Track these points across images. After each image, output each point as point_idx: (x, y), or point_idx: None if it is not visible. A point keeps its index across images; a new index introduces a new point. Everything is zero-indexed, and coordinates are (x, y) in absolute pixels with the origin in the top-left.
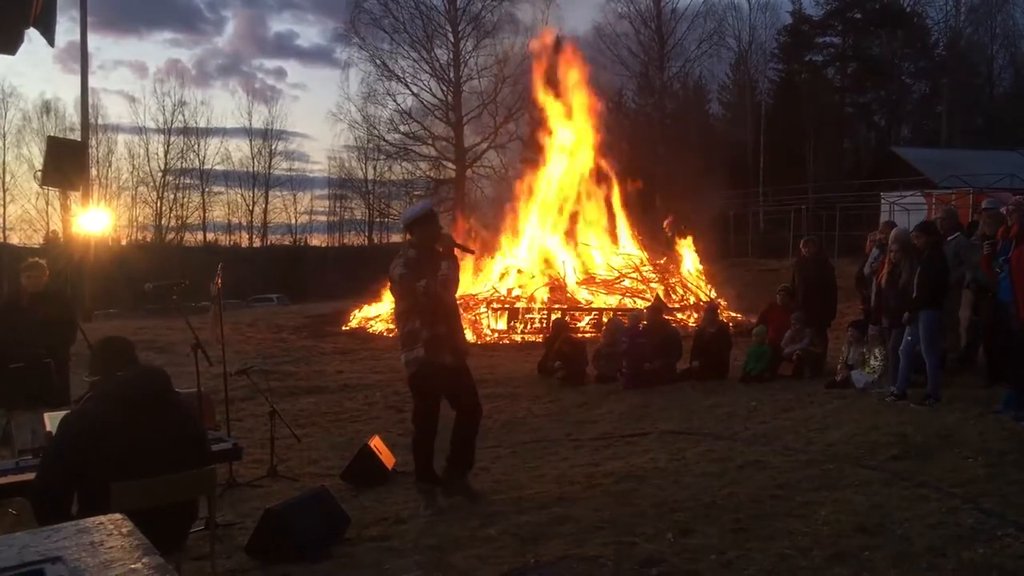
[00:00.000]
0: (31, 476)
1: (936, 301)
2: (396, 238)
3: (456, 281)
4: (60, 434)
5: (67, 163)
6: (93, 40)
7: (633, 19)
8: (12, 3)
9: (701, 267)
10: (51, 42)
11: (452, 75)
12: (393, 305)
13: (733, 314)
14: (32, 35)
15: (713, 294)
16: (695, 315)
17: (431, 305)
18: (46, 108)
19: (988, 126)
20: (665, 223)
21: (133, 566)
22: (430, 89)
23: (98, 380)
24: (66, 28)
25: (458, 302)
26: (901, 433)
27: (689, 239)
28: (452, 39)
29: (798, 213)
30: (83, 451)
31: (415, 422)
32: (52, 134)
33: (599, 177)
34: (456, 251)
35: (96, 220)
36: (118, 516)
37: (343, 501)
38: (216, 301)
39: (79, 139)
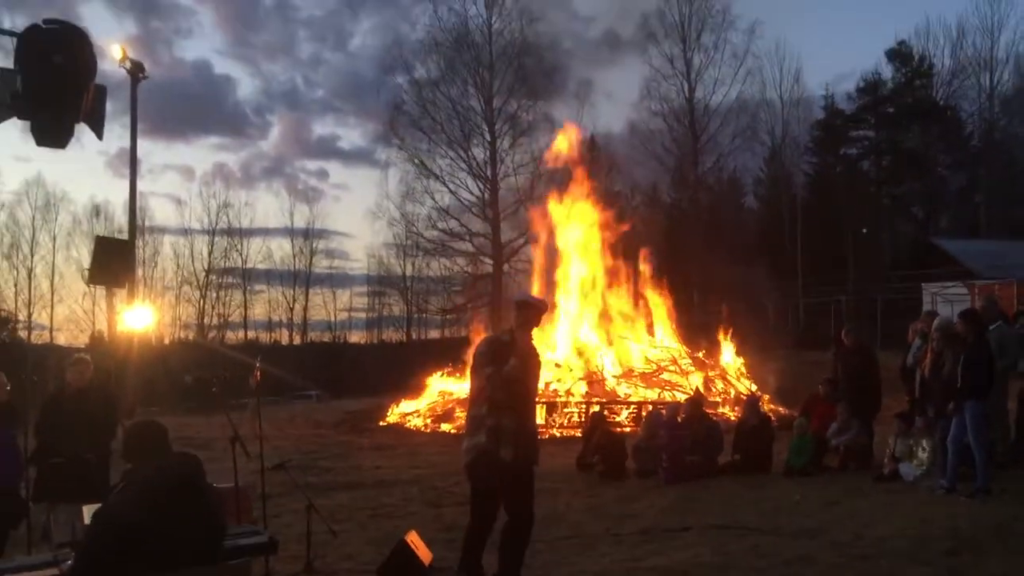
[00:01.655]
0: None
1: (982, 391)
2: (434, 334)
3: (517, 381)
4: (92, 528)
5: (114, 261)
6: (143, 145)
7: (667, 116)
8: (64, 101)
9: (741, 360)
10: (99, 135)
11: (489, 173)
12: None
13: (775, 407)
14: (82, 141)
15: (753, 387)
16: (735, 409)
17: (496, 393)
18: (96, 211)
19: None
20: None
21: None
22: (467, 187)
23: (131, 468)
24: (117, 134)
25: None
26: (953, 527)
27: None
28: (489, 138)
29: (838, 304)
30: (115, 543)
31: (471, 513)
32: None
33: (634, 271)
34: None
35: (140, 317)
36: None
37: None
38: (255, 394)
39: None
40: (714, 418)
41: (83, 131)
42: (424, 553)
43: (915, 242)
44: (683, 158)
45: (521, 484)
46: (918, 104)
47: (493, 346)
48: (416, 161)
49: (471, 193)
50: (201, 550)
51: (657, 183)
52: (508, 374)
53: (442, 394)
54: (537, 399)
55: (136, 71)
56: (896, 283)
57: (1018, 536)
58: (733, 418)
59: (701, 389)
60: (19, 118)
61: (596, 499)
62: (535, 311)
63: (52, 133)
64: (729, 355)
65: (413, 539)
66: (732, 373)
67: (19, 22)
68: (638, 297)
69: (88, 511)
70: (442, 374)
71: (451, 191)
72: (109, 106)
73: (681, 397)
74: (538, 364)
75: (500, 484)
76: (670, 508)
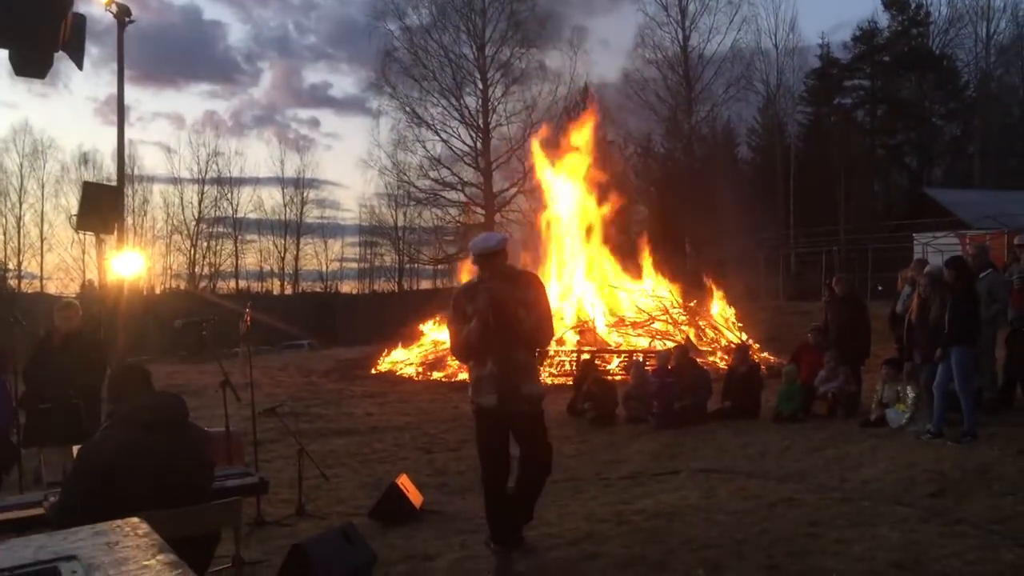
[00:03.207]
0: None
1: (968, 337)
2: (426, 284)
3: (493, 325)
4: (79, 461)
5: (103, 207)
6: (132, 93)
7: (660, 65)
8: (42, 28)
9: (732, 309)
10: (79, 65)
11: (481, 122)
12: None
13: (765, 356)
14: (71, 88)
15: (744, 336)
16: (725, 357)
17: (474, 347)
18: (84, 159)
19: (1022, 167)
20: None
21: (147, 563)
22: (459, 136)
23: (116, 408)
24: (106, 80)
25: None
26: (938, 470)
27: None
28: (481, 86)
29: (829, 255)
30: (102, 475)
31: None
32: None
33: (627, 220)
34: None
35: (130, 263)
36: (135, 520)
37: (371, 539)
38: (245, 339)
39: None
40: (702, 364)
41: (71, 77)
42: (415, 496)
43: (908, 192)
44: (677, 107)
45: (523, 430)
46: (914, 53)
47: (468, 293)
48: (408, 109)
49: (463, 142)
50: (188, 486)
51: (651, 133)
52: (479, 324)
53: (434, 343)
54: (535, 323)
55: (122, 15)
56: (888, 233)
57: (1003, 479)
58: (723, 366)
59: (692, 338)
60: None
61: (586, 444)
62: (500, 256)
63: (31, 62)
64: (719, 304)
65: (404, 483)
66: (722, 322)
67: None
68: (630, 246)
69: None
70: (434, 323)
71: (443, 140)
72: (96, 52)
73: (671, 346)
74: (524, 286)
75: (501, 434)
76: (659, 453)
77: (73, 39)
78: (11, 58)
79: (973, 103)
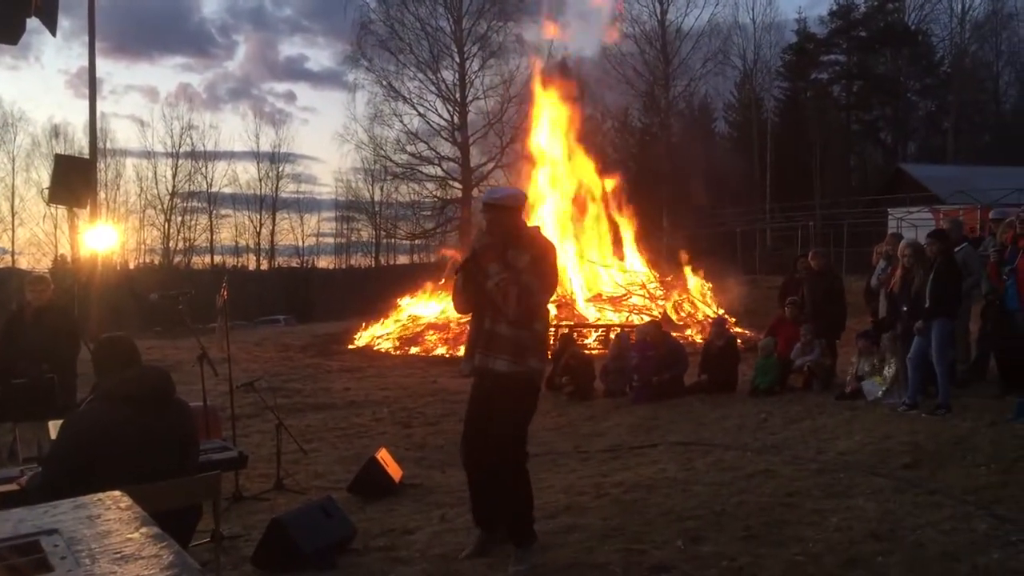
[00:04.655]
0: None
1: (950, 309)
2: (403, 259)
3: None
4: (63, 433)
5: (75, 180)
6: (105, 65)
7: (638, 39)
8: None
9: (709, 284)
10: (53, 31)
11: (458, 96)
12: None
13: (741, 330)
14: (42, 61)
15: (720, 311)
16: (702, 331)
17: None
18: (55, 132)
19: (995, 142)
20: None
21: (130, 535)
22: (436, 110)
23: (100, 381)
24: (77, 53)
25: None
26: (913, 442)
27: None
28: (458, 60)
29: (805, 230)
30: (86, 449)
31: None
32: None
33: (604, 195)
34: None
35: (103, 237)
36: (117, 493)
37: (350, 514)
38: (222, 313)
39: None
40: (675, 338)
41: (42, 50)
42: (394, 470)
43: (883, 168)
44: (654, 82)
45: (489, 405)
46: (889, 28)
47: (466, 255)
48: (384, 83)
49: (440, 116)
50: (174, 462)
51: (628, 108)
52: (461, 273)
53: (411, 318)
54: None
55: None
56: (863, 208)
57: (977, 450)
58: (699, 340)
59: (670, 312)
60: None
61: (564, 418)
62: (506, 213)
63: (3, 27)
64: (696, 279)
65: (383, 456)
66: (698, 297)
67: None
68: (608, 221)
69: (54, 427)
70: (411, 298)
71: (420, 114)
72: (68, 23)
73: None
74: (519, 247)
75: (474, 406)
76: (637, 427)
77: (46, 3)
78: None
79: (948, 79)
